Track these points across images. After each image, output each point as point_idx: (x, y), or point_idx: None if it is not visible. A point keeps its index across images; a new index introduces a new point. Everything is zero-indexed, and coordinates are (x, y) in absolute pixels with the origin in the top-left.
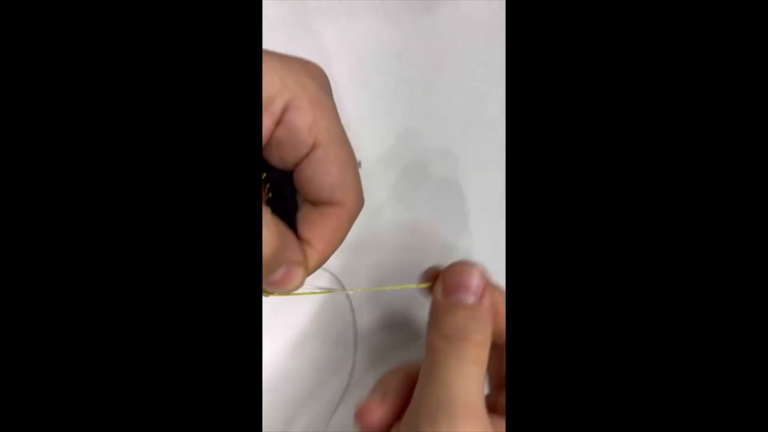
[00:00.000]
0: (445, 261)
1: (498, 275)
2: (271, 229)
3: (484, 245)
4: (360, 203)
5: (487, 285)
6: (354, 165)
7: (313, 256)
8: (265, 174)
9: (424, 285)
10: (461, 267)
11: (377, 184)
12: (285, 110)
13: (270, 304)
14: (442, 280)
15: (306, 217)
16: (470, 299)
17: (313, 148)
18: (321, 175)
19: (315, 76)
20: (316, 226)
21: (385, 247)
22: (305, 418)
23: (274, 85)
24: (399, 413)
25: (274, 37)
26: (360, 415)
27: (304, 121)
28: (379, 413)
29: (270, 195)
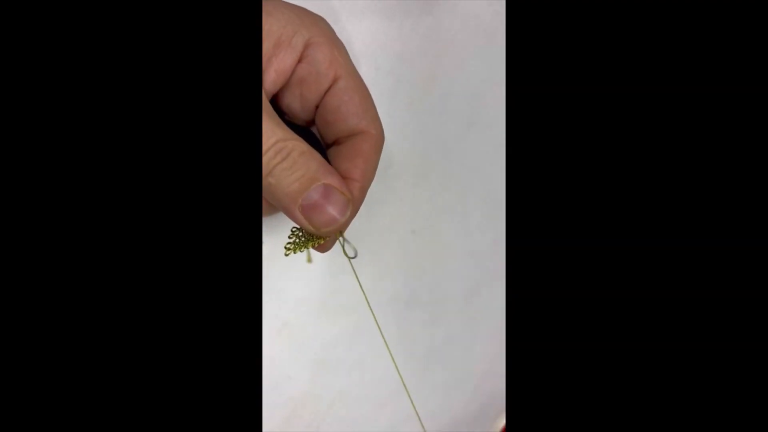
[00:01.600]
0: (445, 261)
1: (498, 275)
2: (299, 138)
3: (484, 245)
4: (382, 133)
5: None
6: (371, 96)
7: (354, 187)
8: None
9: None
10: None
11: (377, 184)
12: (306, 47)
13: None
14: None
15: (337, 152)
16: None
17: (335, 80)
18: (346, 103)
19: (325, 22)
20: (349, 157)
21: (386, 246)
22: (305, 418)
23: (294, 23)
24: None
25: None
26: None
27: (324, 56)
28: None
29: None
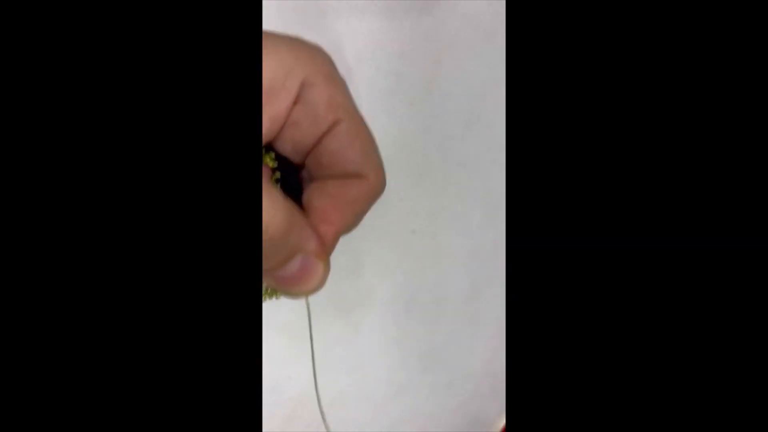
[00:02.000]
0: (445, 261)
1: (498, 275)
2: (280, 204)
3: (484, 245)
4: (383, 181)
5: None
6: (374, 140)
7: (328, 231)
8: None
9: None
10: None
11: None
12: (301, 87)
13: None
14: None
15: (323, 187)
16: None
17: (335, 123)
18: (346, 148)
19: (323, 54)
20: (335, 197)
21: (385, 246)
22: (305, 418)
23: (287, 63)
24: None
25: None
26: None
27: (322, 97)
28: None
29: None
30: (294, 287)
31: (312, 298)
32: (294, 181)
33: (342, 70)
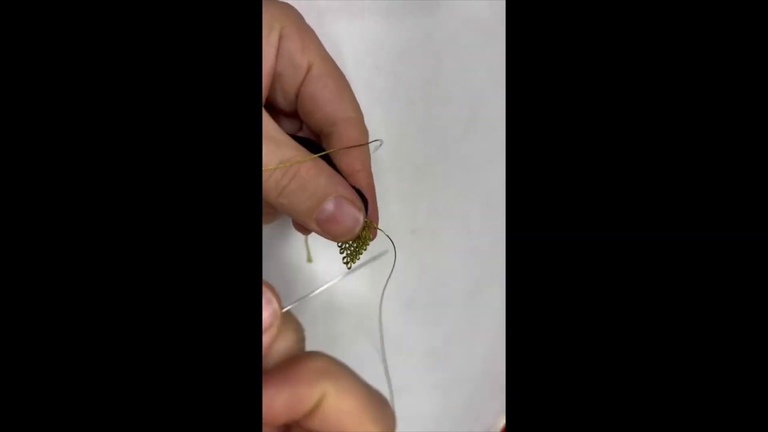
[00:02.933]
0: (445, 261)
1: (498, 275)
2: (306, 152)
3: (484, 245)
4: (362, 113)
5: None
6: (346, 80)
7: (361, 177)
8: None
9: None
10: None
11: (377, 184)
12: (279, 40)
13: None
14: None
15: (330, 145)
16: None
17: (308, 68)
18: (321, 90)
19: (292, 9)
20: (345, 152)
21: (385, 246)
22: None
23: (266, 19)
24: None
25: None
26: None
27: (296, 45)
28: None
29: None
30: (333, 228)
31: (312, 299)
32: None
33: (341, 71)
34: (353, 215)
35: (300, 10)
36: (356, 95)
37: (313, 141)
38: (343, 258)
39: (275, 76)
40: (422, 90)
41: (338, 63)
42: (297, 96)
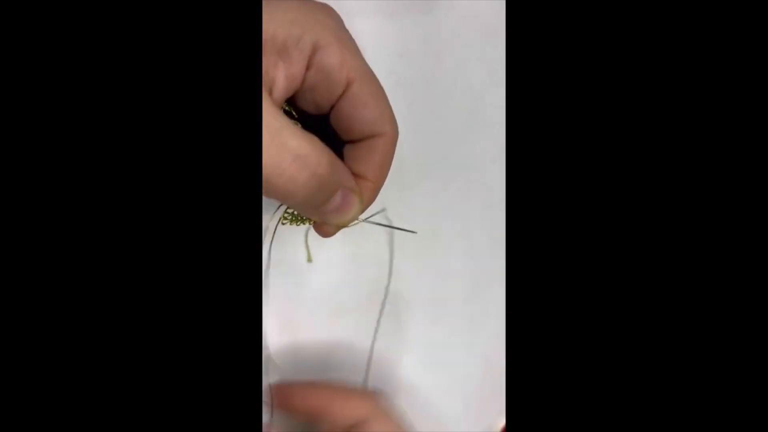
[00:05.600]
0: (445, 260)
1: (498, 275)
2: (325, 149)
3: (484, 245)
4: (397, 129)
5: None
6: (385, 96)
7: (368, 188)
8: (300, 124)
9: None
10: None
11: None
12: (313, 51)
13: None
14: None
15: (352, 154)
16: None
17: (348, 85)
18: (360, 110)
19: (333, 15)
20: (365, 160)
21: (385, 246)
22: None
23: (298, 23)
24: None
25: None
26: None
27: (335, 60)
28: None
29: None
30: (335, 218)
31: (312, 299)
32: (329, 133)
33: None
34: (354, 206)
35: None
36: None
37: (329, 125)
38: (285, 214)
39: (309, 88)
40: (422, 90)
41: None
42: (332, 107)
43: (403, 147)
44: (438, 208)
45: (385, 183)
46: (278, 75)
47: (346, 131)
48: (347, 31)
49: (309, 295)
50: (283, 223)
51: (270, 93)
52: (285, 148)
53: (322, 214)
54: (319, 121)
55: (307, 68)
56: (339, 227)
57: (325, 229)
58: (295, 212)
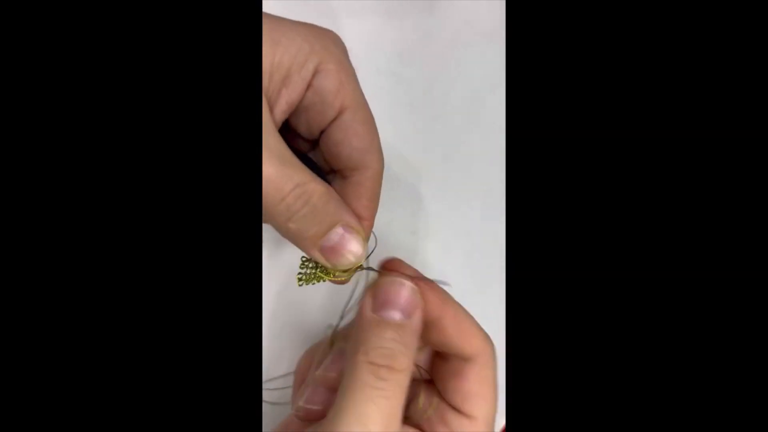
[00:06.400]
0: (445, 260)
1: (498, 275)
2: (320, 179)
3: (484, 245)
4: (383, 163)
5: (417, 302)
6: (376, 128)
7: (363, 226)
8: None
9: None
10: (391, 281)
11: None
12: (315, 73)
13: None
14: (371, 295)
15: (342, 187)
16: (398, 316)
17: (340, 111)
18: (350, 137)
19: (337, 43)
20: (353, 196)
21: (385, 247)
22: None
23: (303, 50)
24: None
25: None
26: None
27: (332, 85)
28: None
29: None
30: (335, 258)
31: (312, 299)
32: (317, 170)
33: None
34: (357, 245)
35: (301, 11)
36: None
37: (313, 162)
38: (298, 274)
39: (303, 108)
40: (422, 90)
41: None
42: (322, 131)
43: (403, 147)
44: (438, 209)
45: (385, 184)
46: (280, 101)
47: (334, 158)
48: (349, 59)
49: (310, 296)
50: (299, 285)
51: (271, 114)
52: (287, 177)
53: (322, 252)
54: (305, 158)
55: (308, 88)
56: (346, 272)
57: (340, 281)
58: (308, 270)
